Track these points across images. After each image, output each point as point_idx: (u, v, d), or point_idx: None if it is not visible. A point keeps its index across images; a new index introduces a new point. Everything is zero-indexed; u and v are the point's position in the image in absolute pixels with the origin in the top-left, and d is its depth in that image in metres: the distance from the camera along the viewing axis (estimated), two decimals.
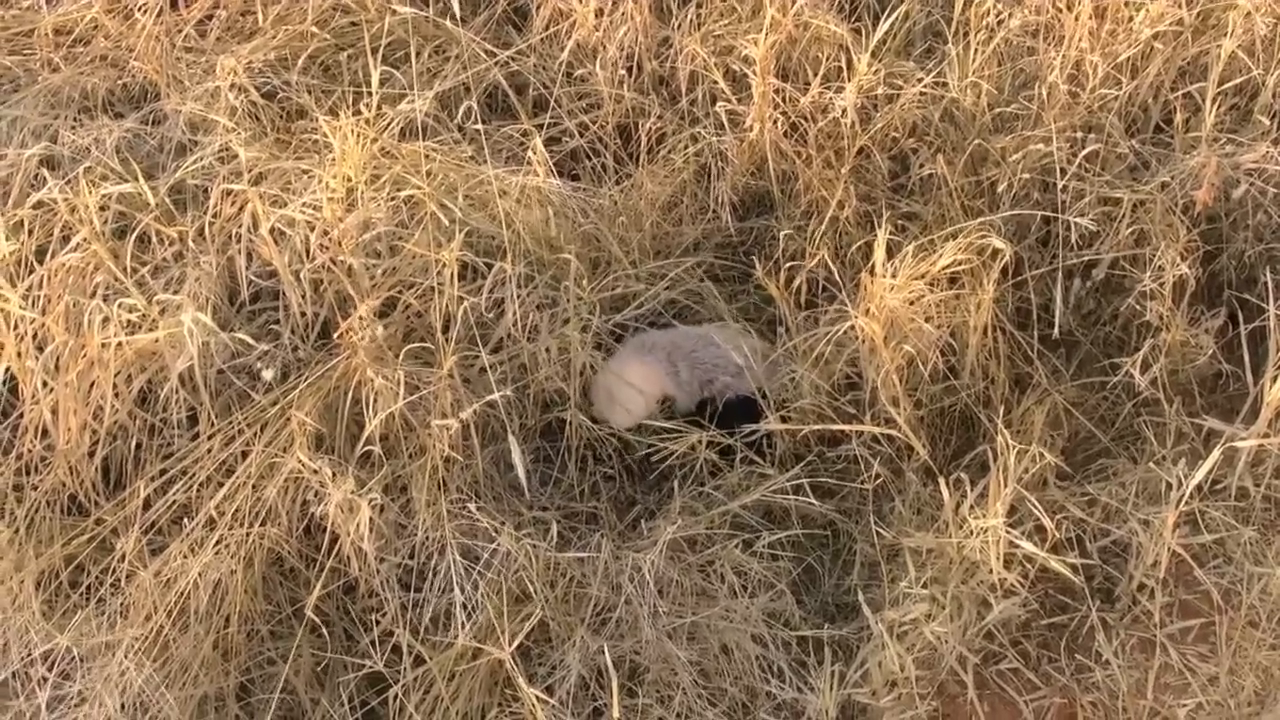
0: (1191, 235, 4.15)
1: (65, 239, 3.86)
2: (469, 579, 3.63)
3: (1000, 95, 4.43)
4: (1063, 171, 4.18)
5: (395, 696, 3.57)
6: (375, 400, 3.71)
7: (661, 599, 3.70)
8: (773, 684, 3.69)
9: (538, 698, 3.34)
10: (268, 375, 3.82)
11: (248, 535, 3.64)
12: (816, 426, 3.94)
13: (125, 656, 3.53)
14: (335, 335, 3.85)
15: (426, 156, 4.17)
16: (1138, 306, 4.09)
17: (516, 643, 3.47)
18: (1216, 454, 3.68)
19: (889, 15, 4.46)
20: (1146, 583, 3.81)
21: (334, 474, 3.59)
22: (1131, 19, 4.41)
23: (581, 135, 4.66)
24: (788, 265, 4.11)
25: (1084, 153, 4.21)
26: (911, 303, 3.89)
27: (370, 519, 3.57)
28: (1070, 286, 4.23)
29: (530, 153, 4.25)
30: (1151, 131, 4.50)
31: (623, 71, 4.66)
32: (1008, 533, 3.57)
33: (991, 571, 3.58)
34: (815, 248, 4.14)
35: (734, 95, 4.48)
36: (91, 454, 3.80)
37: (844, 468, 4.01)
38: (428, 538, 3.67)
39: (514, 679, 3.41)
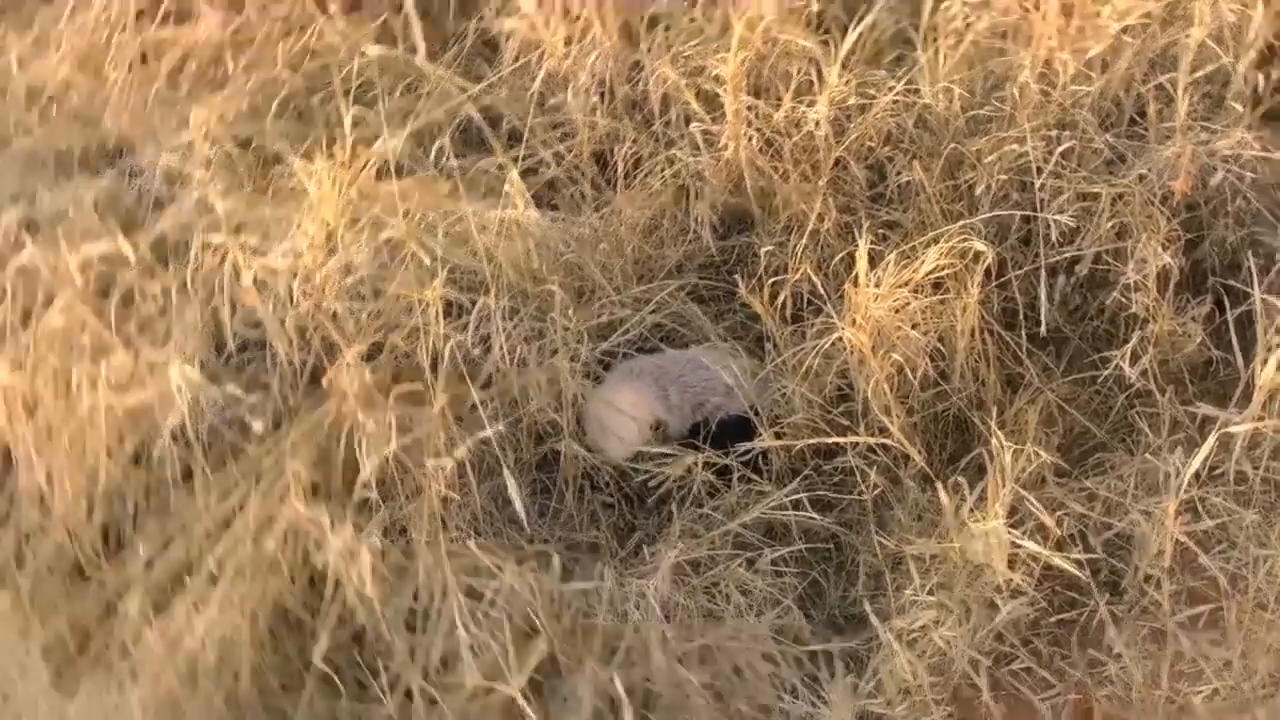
0: (1172, 225, 4.15)
1: (49, 301, 3.85)
2: (473, 618, 3.62)
3: (973, 98, 4.42)
4: (1039, 170, 4.18)
5: None
6: (368, 444, 3.71)
7: (669, 624, 3.70)
8: (786, 700, 3.68)
9: None
10: (257, 426, 3.82)
11: (251, 589, 3.63)
12: (811, 441, 3.94)
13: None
14: (324, 381, 3.84)
15: (404, 196, 4.16)
16: (1123, 299, 4.09)
17: (526, 678, 3.46)
18: (1212, 440, 3.68)
19: (856, 25, 4.45)
20: (1152, 573, 3.80)
21: (332, 521, 3.59)
22: (1099, 14, 4.41)
23: (558, 164, 4.66)
24: (771, 281, 4.11)
25: (1059, 150, 4.21)
26: (897, 311, 3.89)
27: (371, 564, 3.56)
28: (1054, 284, 4.23)
29: (507, 185, 4.24)
30: (1126, 125, 4.49)
31: (595, 98, 4.66)
32: (1010, 533, 3.57)
33: (996, 573, 3.58)
34: (797, 262, 4.14)
35: (707, 115, 4.48)
36: (89, 517, 3.79)
37: (841, 480, 4.01)
38: (430, 579, 3.66)
39: (526, 715, 3.40)
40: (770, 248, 4.26)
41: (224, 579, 3.64)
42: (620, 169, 4.58)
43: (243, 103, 4.67)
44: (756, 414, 4.03)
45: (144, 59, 4.88)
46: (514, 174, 4.24)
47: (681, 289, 4.37)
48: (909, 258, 3.95)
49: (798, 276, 4.08)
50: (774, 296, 4.10)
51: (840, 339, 3.90)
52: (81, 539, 3.78)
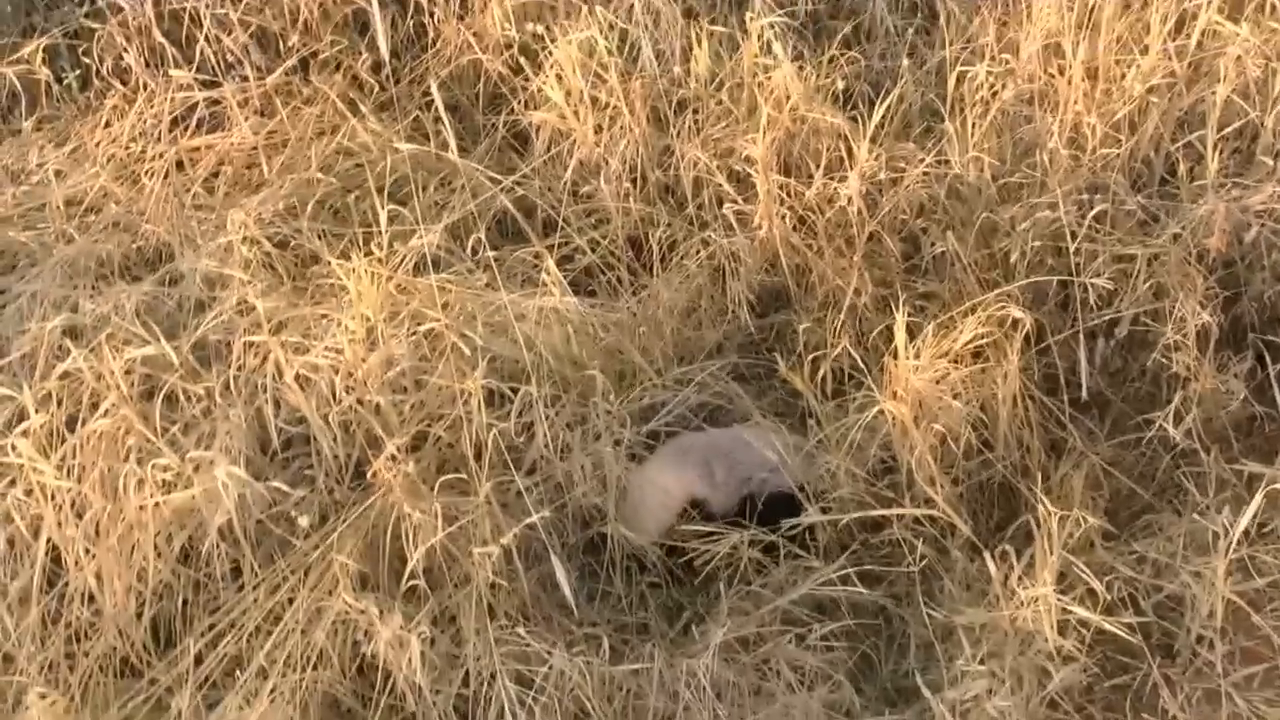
0: (1209, 283, 4.16)
1: (94, 406, 3.88)
2: (523, 703, 3.61)
3: (1003, 166, 4.45)
4: (1073, 235, 4.19)
5: None
6: (415, 534, 3.72)
7: (720, 702, 3.68)
8: None
9: None
10: (304, 521, 3.83)
11: (301, 681, 3.63)
12: (857, 514, 3.94)
13: None
14: (369, 474, 3.86)
15: (442, 289, 4.19)
16: (1164, 359, 4.09)
17: None
18: (1260, 497, 3.67)
19: (884, 100, 4.49)
20: (1205, 634, 3.78)
21: (381, 611, 3.59)
22: (1124, 76, 4.44)
23: (593, 251, 4.69)
24: (811, 357, 4.11)
25: (1092, 214, 4.22)
26: (937, 381, 3.89)
27: (421, 652, 3.56)
28: (1094, 347, 4.23)
29: (544, 274, 4.27)
30: (1157, 185, 4.51)
31: (628, 184, 4.70)
32: (1059, 599, 3.55)
33: (1047, 640, 3.56)
34: (836, 337, 4.14)
35: (739, 195, 4.52)
36: (139, 615, 3.80)
37: (889, 552, 3.99)
38: (479, 666, 3.66)
39: None
40: (809, 324, 4.27)
41: (274, 672, 3.64)
42: (655, 252, 4.61)
43: (279, 204, 4.72)
44: (803, 490, 4.03)
45: (179, 165, 4.95)
46: (550, 262, 4.27)
47: (723, 369, 4.37)
48: (947, 328, 3.96)
49: (837, 352, 4.09)
50: (814, 372, 4.10)
51: (882, 412, 3.90)
52: (132, 636, 3.79)
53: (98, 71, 5.23)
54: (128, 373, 3.93)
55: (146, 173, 4.85)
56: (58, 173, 4.98)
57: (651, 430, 4.26)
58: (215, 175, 4.97)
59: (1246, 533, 3.71)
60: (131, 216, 4.81)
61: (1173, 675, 3.81)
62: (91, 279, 4.60)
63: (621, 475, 4.04)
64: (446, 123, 4.41)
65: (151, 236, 4.72)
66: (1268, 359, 4.18)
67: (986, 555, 3.69)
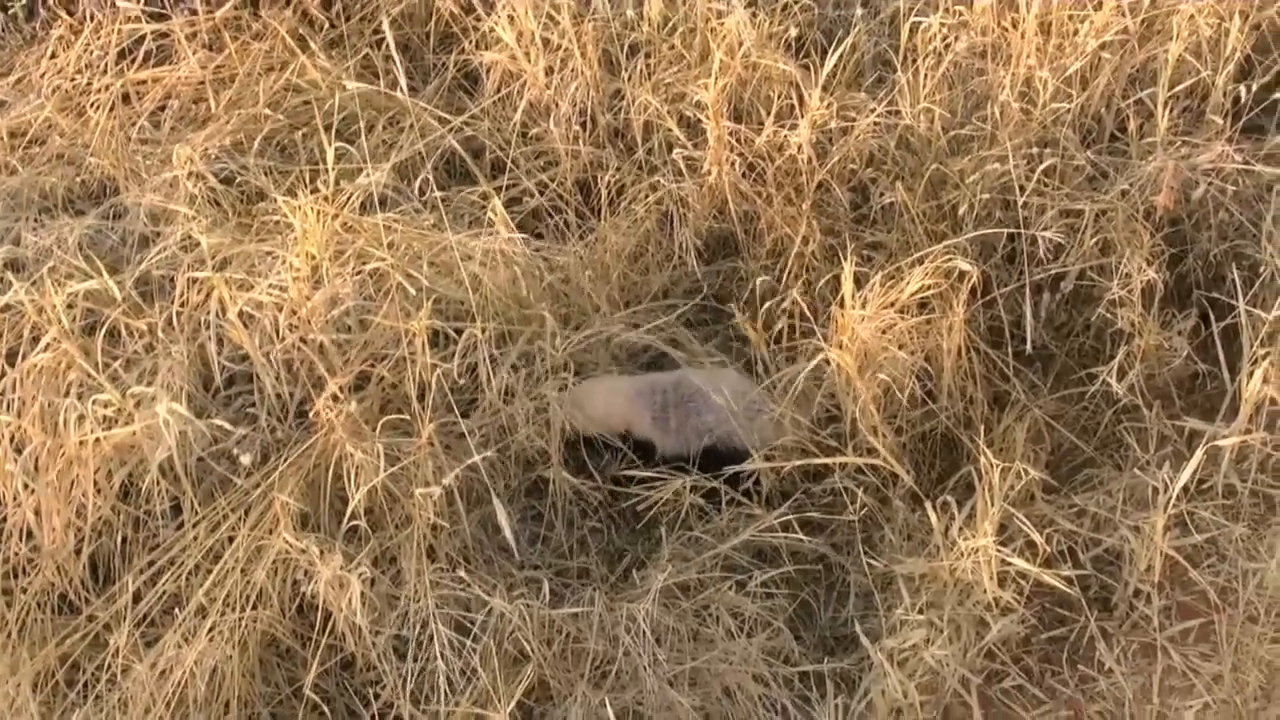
0: (1156, 240, 4.17)
1: (35, 340, 3.85)
2: (461, 645, 3.62)
3: (954, 118, 4.45)
4: (1022, 188, 4.19)
5: None
6: (357, 474, 3.70)
7: (659, 647, 3.69)
8: None
9: None
10: (246, 459, 3.81)
11: (240, 620, 3.63)
12: (800, 462, 3.94)
13: None
14: (311, 413, 3.84)
15: (388, 228, 4.16)
16: (1109, 315, 4.10)
17: (515, 703, 3.46)
18: (1200, 454, 3.69)
19: (836, 49, 4.47)
20: (1142, 588, 3.81)
21: (321, 551, 3.58)
22: (1077, 31, 4.43)
23: (541, 194, 4.67)
24: (758, 305, 4.11)
25: (1041, 168, 4.22)
26: (883, 331, 3.90)
27: (361, 593, 3.55)
28: (1040, 301, 4.24)
29: (491, 215, 4.25)
30: (1107, 141, 4.52)
31: (577, 127, 4.67)
32: (999, 551, 3.57)
33: (986, 591, 3.58)
34: (786, 287, 4.14)
35: (689, 141, 4.50)
36: (78, 551, 3.78)
37: (830, 501, 4.00)
38: (420, 607, 3.65)
39: None
40: (764, 276, 4.26)
41: (213, 610, 3.63)
42: (604, 197, 4.59)
43: (225, 140, 4.68)
44: (755, 446, 4.03)
45: (125, 99, 4.90)
46: (497, 203, 4.24)
47: (668, 310, 4.36)
48: (894, 278, 3.96)
49: (788, 302, 4.08)
50: (767, 323, 4.10)
51: (827, 360, 3.90)
52: (70, 573, 3.77)
53: (44, 1, 5.15)
54: (69, 307, 3.91)
55: (92, 105, 4.80)
56: (1, 103, 4.93)
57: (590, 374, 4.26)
58: (161, 109, 4.92)
59: (1186, 489, 3.73)
60: (76, 149, 4.76)
61: (1109, 628, 3.84)
62: (34, 212, 4.56)
63: (565, 421, 4.02)
64: (396, 61, 4.39)
65: (96, 170, 4.68)
66: (1211, 317, 4.20)
67: (928, 505, 3.70)
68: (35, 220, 4.51)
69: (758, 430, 4.05)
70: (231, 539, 3.74)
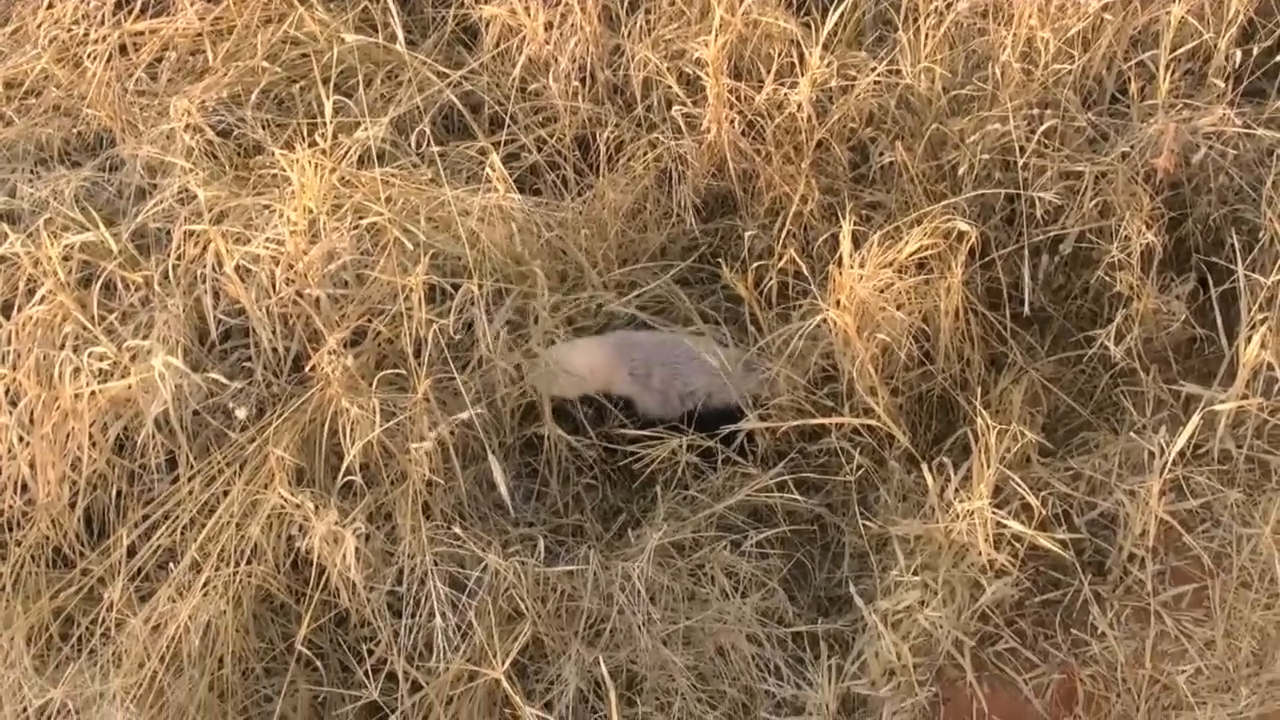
0: (1155, 203, 4.15)
1: (30, 292, 3.84)
2: (456, 602, 3.62)
3: (954, 78, 4.42)
4: (1022, 149, 4.18)
5: None
6: (352, 430, 3.70)
7: (653, 606, 3.70)
8: (770, 682, 3.68)
9: (537, 715, 3.33)
10: (241, 414, 3.81)
11: (235, 574, 3.63)
12: (796, 422, 3.94)
13: (121, 705, 3.51)
14: (307, 368, 3.84)
15: (386, 182, 4.15)
16: (1107, 278, 4.09)
17: (510, 661, 3.46)
18: (1197, 419, 3.69)
19: (837, 7, 4.44)
20: (1136, 552, 3.81)
21: (316, 507, 3.58)
22: None
23: (539, 150, 4.65)
24: (755, 265, 4.10)
25: (1042, 129, 4.20)
26: (881, 291, 3.88)
27: (356, 549, 3.55)
28: (1038, 263, 4.23)
29: (489, 170, 4.23)
30: (1108, 103, 4.50)
31: (576, 83, 4.64)
32: (994, 513, 3.57)
33: (981, 553, 3.58)
34: (781, 245, 4.13)
35: (689, 98, 4.48)
36: (72, 505, 3.78)
37: (826, 461, 4.00)
38: (414, 563, 3.65)
39: (511, 698, 3.40)
40: (754, 231, 4.25)
41: (207, 565, 3.63)
42: (602, 153, 4.57)
43: (223, 92, 4.65)
44: (746, 403, 4.03)
45: (123, 50, 4.86)
46: (495, 159, 4.23)
47: (665, 270, 4.35)
48: (893, 238, 3.95)
49: (783, 261, 4.07)
50: (759, 279, 4.09)
51: (825, 320, 3.89)
52: (64, 526, 3.77)
53: None
54: (65, 259, 3.90)
55: (89, 56, 4.76)
56: None
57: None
58: (159, 61, 4.88)
59: (1182, 454, 3.73)
60: (72, 101, 4.73)
61: (1103, 592, 3.85)
62: (30, 163, 4.54)
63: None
64: (395, 14, 4.37)
65: (92, 122, 4.65)
66: (1210, 281, 4.18)
67: (924, 467, 3.70)
68: (31, 172, 4.49)
69: (751, 393, 4.05)
70: (226, 493, 3.73)
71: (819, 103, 4.39)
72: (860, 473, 3.93)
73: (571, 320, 4.18)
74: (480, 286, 3.98)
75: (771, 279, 4.11)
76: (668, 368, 4.10)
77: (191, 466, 3.80)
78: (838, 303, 3.85)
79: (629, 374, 4.08)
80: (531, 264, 4.10)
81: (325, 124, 4.08)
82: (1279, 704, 3.70)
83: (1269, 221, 4.03)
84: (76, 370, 3.70)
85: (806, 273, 4.05)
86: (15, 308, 3.83)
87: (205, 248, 3.96)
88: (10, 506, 3.77)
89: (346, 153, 4.19)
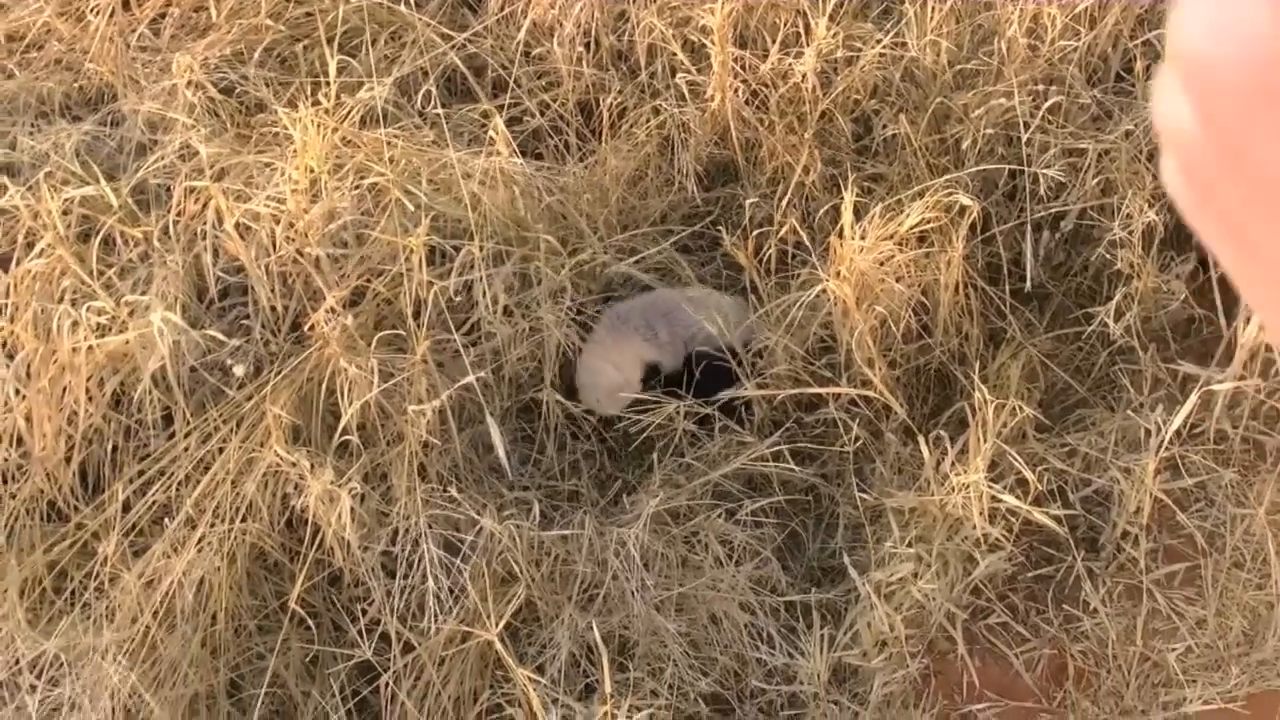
0: (1158, 181, 4.14)
1: (29, 245, 3.84)
2: (450, 564, 3.62)
3: (960, 52, 4.42)
4: (1026, 125, 4.18)
5: (386, 685, 3.57)
6: (350, 390, 3.70)
7: (647, 572, 3.70)
8: (763, 651, 3.69)
9: (529, 678, 3.33)
10: (239, 371, 3.81)
11: (229, 531, 3.63)
12: (793, 391, 3.94)
13: (113, 660, 3.51)
14: (306, 327, 3.83)
15: (388, 143, 4.14)
16: (1108, 255, 4.10)
17: (503, 623, 3.46)
18: (1194, 398, 3.70)
19: None
20: (1130, 530, 3.83)
21: (312, 465, 3.58)
22: None
23: (542, 114, 4.65)
24: (756, 233, 4.10)
25: (1046, 105, 4.20)
26: (881, 263, 3.89)
27: (351, 508, 3.55)
28: (1039, 239, 4.23)
29: (492, 134, 4.23)
30: (1113, 81, 4.50)
31: (581, 48, 4.64)
32: (989, 487, 3.58)
33: (975, 527, 3.59)
34: (782, 214, 4.13)
35: (693, 66, 4.47)
36: (68, 459, 3.78)
37: (823, 432, 4.01)
38: (409, 525, 3.66)
39: (504, 660, 3.40)
40: (755, 200, 4.25)
41: (202, 522, 3.63)
42: (605, 119, 4.56)
43: (226, 49, 4.64)
44: (746, 348, 4.03)
45: (126, 4, 4.85)
46: (498, 121, 4.22)
47: (666, 236, 4.35)
48: (894, 211, 3.95)
49: (784, 230, 4.07)
50: (759, 248, 4.09)
51: (824, 291, 3.89)
52: (60, 481, 3.77)
53: None
54: (65, 213, 3.89)
55: (92, 10, 4.74)
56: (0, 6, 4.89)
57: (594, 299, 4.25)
58: (162, 17, 4.87)
59: (1178, 433, 3.74)
60: (75, 55, 4.72)
61: (1096, 569, 3.86)
62: (31, 116, 4.53)
63: (560, 342, 4.02)
64: None
65: (94, 76, 4.64)
66: (1210, 261, 4.17)
67: (920, 439, 3.71)
68: (32, 125, 4.48)
69: (740, 335, 4.05)
70: (222, 450, 3.73)
71: (823, 73, 4.39)
72: (857, 444, 3.93)
73: (575, 286, 4.17)
74: (481, 249, 3.97)
75: (771, 248, 4.11)
76: (668, 319, 4.11)
77: (188, 423, 3.80)
78: (838, 273, 3.86)
79: (645, 342, 4.09)
80: (535, 228, 4.10)
81: (328, 83, 4.08)
82: (1269, 684, 3.72)
83: None
84: (75, 324, 3.70)
85: (807, 243, 4.06)
86: (15, 261, 3.83)
87: (205, 205, 3.96)
88: (5, 460, 3.76)
89: (349, 113, 4.18)
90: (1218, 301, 4.05)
